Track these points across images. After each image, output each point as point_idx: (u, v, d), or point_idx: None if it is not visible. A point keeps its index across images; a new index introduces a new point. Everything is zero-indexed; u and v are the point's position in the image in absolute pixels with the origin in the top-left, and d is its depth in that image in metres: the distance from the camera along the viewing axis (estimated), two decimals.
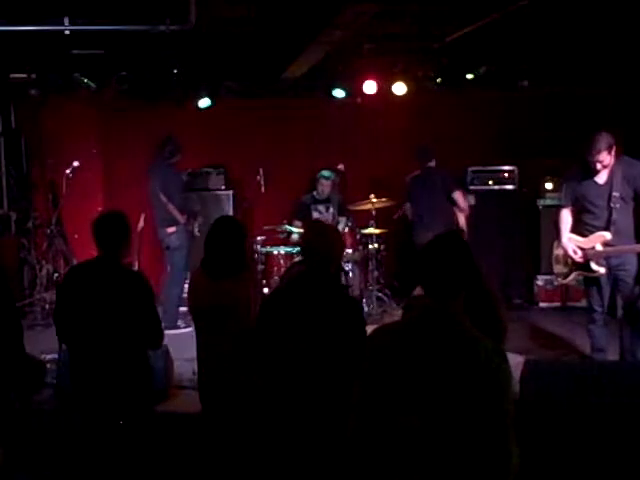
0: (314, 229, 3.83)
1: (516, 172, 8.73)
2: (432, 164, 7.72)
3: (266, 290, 7.76)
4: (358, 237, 7.95)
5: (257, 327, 3.48)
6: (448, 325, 2.47)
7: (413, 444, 2.41)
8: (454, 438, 2.37)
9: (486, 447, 2.36)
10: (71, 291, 3.98)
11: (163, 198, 7.56)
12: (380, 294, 8.26)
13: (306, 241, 3.58)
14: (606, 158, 5.58)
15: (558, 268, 6.16)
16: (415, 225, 7.84)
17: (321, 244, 3.48)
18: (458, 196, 7.49)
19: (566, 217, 5.97)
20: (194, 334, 4.29)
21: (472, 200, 8.75)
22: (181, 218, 7.62)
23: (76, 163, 8.10)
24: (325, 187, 8.15)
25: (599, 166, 5.63)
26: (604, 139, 5.56)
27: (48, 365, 5.68)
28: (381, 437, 2.44)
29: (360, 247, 7.97)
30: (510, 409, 2.40)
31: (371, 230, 7.82)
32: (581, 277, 5.99)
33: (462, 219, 7.60)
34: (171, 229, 7.61)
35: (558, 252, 6.10)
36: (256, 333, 3.47)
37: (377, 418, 2.45)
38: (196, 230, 7.81)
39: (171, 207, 7.58)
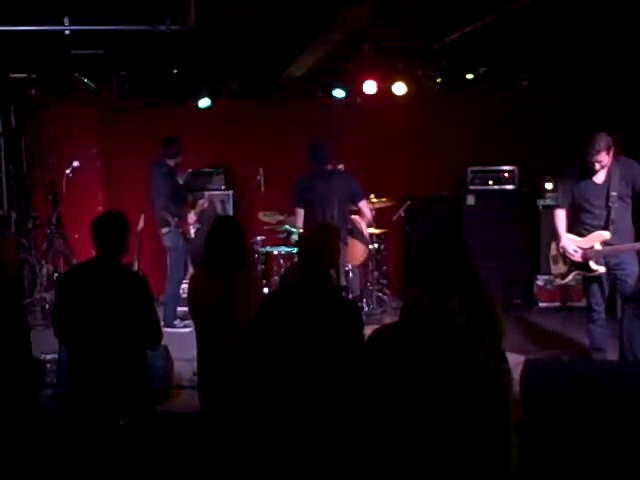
0: (311, 230, 3.82)
1: (516, 172, 8.74)
2: (327, 166, 7.06)
3: (266, 290, 7.76)
4: None
5: (254, 330, 3.48)
6: (448, 325, 2.47)
7: (413, 444, 2.41)
8: (454, 437, 2.37)
9: (485, 447, 2.36)
10: (70, 291, 3.98)
11: (154, 198, 7.62)
12: (380, 294, 8.27)
13: (301, 242, 3.58)
14: (605, 158, 5.61)
15: (557, 268, 6.17)
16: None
17: (315, 246, 3.47)
18: (364, 205, 7.01)
19: (562, 217, 6.00)
20: (194, 334, 4.30)
21: (472, 200, 8.77)
22: (172, 220, 7.59)
23: (76, 163, 8.10)
24: None
25: (598, 166, 5.66)
26: (603, 140, 5.59)
27: (48, 365, 5.69)
28: (381, 437, 2.44)
29: None
30: (510, 409, 2.40)
31: (371, 230, 7.82)
32: (580, 277, 6.00)
33: (364, 226, 7.27)
34: (164, 230, 7.68)
35: (556, 253, 6.12)
36: (252, 336, 3.46)
37: (376, 418, 2.45)
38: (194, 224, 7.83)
39: (159, 208, 7.60)
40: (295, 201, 7.11)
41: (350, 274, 7.69)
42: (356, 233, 7.22)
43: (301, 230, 7.03)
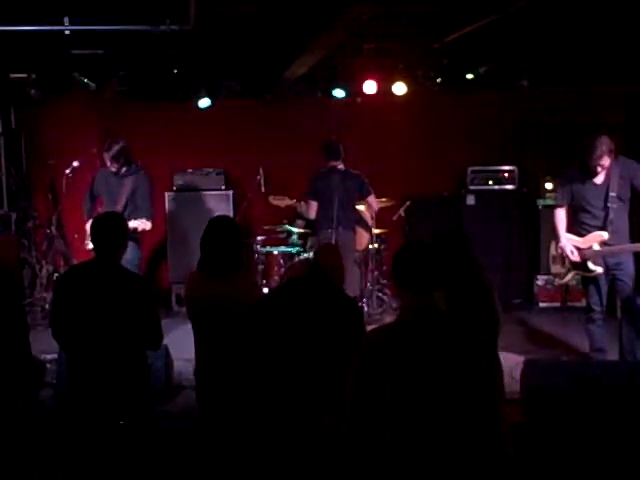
0: (324, 252, 3.98)
1: (516, 172, 8.74)
2: (339, 163, 7.34)
3: (266, 290, 7.76)
4: None
5: (251, 327, 3.48)
6: (440, 324, 2.51)
7: (408, 444, 2.41)
8: (449, 436, 2.39)
9: (480, 446, 2.38)
10: (69, 292, 3.96)
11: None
12: (380, 294, 8.27)
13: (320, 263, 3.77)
14: (606, 162, 5.65)
15: (556, 268, 6.19)
16: (321, 224, 7.34)
17: (331, 267, 3.65)
18: (372, 199, 7.45)
19: (562, 217, 6.01)
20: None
21: (472, 200, 8.77)
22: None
23: (76, 163, 8.06)
24: None
25: (599, 169, 5.68)
26: (604, 144, 5.60)
27: (48, 365, 5.69)
28: (377, 435, 2.45)
29: None
30: (501, 405, 2.45)
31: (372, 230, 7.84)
32: (579, 276, 6.00)
33: (368, 216, 7.76)
34: None
35: (555, 252, 6.13)
36: (250, 334, 3.46)
37: (371, 419, 2.45)
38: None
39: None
40: (308, 193, 7.40)
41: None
42: (362, 223, 7.73)
43: (312, 220, 7.50)
